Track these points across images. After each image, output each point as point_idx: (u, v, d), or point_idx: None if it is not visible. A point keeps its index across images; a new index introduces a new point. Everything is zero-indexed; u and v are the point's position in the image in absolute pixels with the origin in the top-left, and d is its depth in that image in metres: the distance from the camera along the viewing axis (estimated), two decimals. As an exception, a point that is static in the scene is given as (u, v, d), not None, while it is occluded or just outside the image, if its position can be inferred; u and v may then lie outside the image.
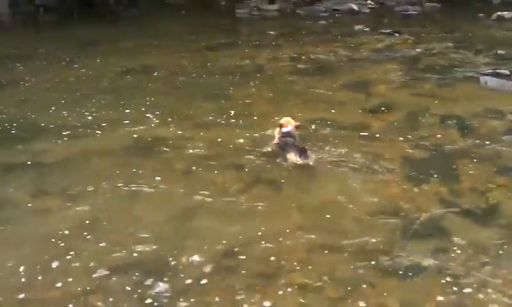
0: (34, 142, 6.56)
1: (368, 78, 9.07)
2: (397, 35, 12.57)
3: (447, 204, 4.92)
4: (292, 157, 5.72)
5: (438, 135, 6.50)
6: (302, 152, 5.67)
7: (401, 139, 6.38)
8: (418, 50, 11.13)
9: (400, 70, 9.54)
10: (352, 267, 4.06)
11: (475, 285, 3.85)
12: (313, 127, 6.77)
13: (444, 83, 8.71)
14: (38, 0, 17.83)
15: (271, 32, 13.32)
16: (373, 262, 4.09)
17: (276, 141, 6.09)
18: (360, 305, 3.66)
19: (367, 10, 16.99)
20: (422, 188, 5.18)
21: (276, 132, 6.11)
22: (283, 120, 6.04)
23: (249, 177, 5.54)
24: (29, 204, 5.10)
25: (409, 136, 6.45)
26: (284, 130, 5.94)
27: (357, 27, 13.54)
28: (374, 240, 4.36)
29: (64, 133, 6.79)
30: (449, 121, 6.94)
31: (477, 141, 6.29)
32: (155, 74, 9.60)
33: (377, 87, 8.56)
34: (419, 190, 5.16)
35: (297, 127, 6.07)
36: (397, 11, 16.67)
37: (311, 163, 5.67)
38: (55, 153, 6.25)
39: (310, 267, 4.06)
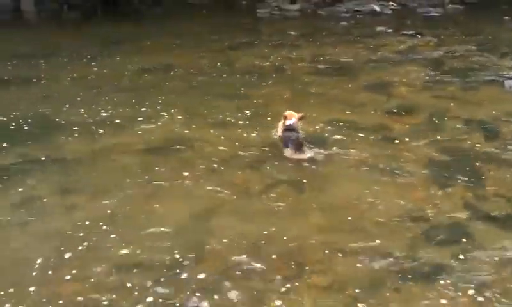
0: (56, 139, 6.63)
1: (389, 79, 8.97)
2: (419, 37, 12.43)
3: (472, 209, 4.84)
4: (288, 152, 5.86)
5: (462, 139, 6.40)
6: (298, 147, 5.79)
7: (424, 142, 6.30)
8: (440, 52, 10.98)
9: (422, 72, 9.42)
10: (374, 270, 4.02)
11: (500, 292, 3.78)
12: (332, 128, 6.72)
13: (467, 86, 8.58)
14: (62, -2, 18.01)
15: (292, 33, 13.26)
16: (396, 266, 4.05)
17: (279, 133, 6.15)
18: (383, 309, 3.62)
19: (389, 11, 16.82)
20: (446, 193, 5.11)
21: (280, 125, 6.15)
22: (287, 112, 6.09)
23: (269, 177, 5.52)
24: (52, 200, 5.15)
25: (432, 139, 6.36)
26: (287, 122, 5.98)
27: (379, 28, 13.41)
28: (397, 244, 4.31)
29: (85, 130, 6.86)
30: (473, 125, 6.83)
31: (501, 146, 6.19)
32: (175, 73, 9.63)
33: (399, 89, 8.47)
34: (443, 194, 5.09)
35: (300, 119, 6.12)
36: (419, 13, 16.47)
37: (306, 157, 5.82)
38: (77, 149, 6.30)
39: (331, 269, 4.03)
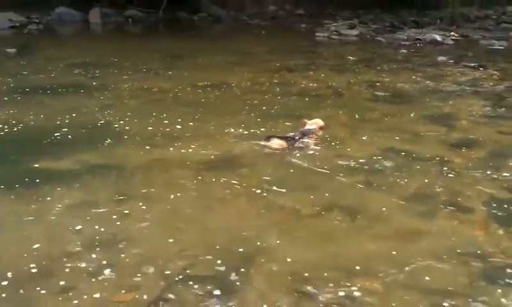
0: (115, 147, 6.82)
1: (449, 111, 8.76)
2: (482, 69, 12.13)
3: (534, 251, 4.61)
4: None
5: (525, 178, 6.13)
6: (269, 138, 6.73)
7: (485, 178, 6.08)
8: (503, 86, 10.66)
9: (485, 105, 9.16)
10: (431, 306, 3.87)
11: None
12: (389, 156, 6.60)
13: (531, 123, 8.25)
14: (127, 12, 18.73)
15: (350, 58, 13.24)
16: (454, 305, 3.88)
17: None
18: (436, 348, 3.48)
19: (451, 42, 16.54)
20: (507, 231, 4.89)
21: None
22: (312, 120, 6.95)
23: (322, 201, 5.45)
24: (107, 206, 5.27)
25: (494, 176, 6.12)
26: (306, 127, 6.84)
27: (440, 59, 13.19)
28: (454, 281, 4.15)
29: (144, 140, 7.03)
30: (537, 164, 6.54)
31: None
32: (232, 91, 9.77)
33: (460, 121, 8.25)
34: (504, 233, 4.87)
35: (321, 128, 6.98)
36: (482, 45, 16.10)
37: (272, 146, 6.65)
38: (135, 159, 6.46)
39: (384, 302, 3.91)
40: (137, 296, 3.93)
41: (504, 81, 11.05)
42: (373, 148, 6.88)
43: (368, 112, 8.64)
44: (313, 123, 6.80)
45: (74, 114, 8.02)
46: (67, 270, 4.21)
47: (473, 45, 15.99)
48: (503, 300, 3.96)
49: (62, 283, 4.04)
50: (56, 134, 7.24)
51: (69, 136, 7.19)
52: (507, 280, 4.20)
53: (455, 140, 7.34)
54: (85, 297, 3.92)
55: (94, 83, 9.99)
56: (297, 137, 6.87)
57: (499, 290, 4.07)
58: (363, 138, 7.33)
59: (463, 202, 5.47)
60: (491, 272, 4.30)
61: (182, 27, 16.73)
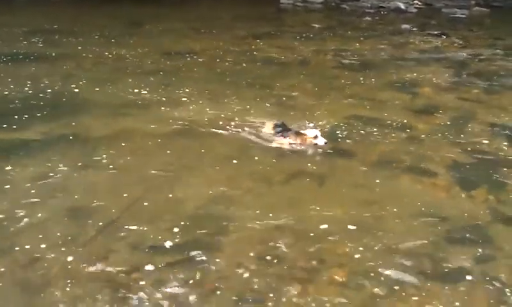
0: (79, 117, 6.66)
1: (413, 78, 8.91)
2: (444, 37, 12.32)
3: (494, 212, 4.78)
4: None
5: (485, 143, 6.33)
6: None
7: (447, 143, 6.24)
8: (465, 54, 10.89)
9: (447, 73, 9.35)
10: (394, 267, 3.98)
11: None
12: (355, 123, 6.69)
13: (492, 90, 8.50)
14: (85, -23, 18.03)
15: (315, 25, 13.22)
16: (416, 264, 4.01)
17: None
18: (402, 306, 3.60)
19: (414, 10, 16.70)
20: (469, 195, 5.05)
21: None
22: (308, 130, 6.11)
23: (291, 168, 5.50)
24: (75, 176, 5.18)
25: (456, 141, 6.30)
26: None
27: (403, 27, 13.33)
28: (418, 242, 4.27)
29: (108, 110, 6.90)
30: (496, 129, 6.76)
31: (525, 151, 6.11)
32: (198, 58, 9.65)
33: (423, 88, 8.40)
34: (466, 196, 5.04)
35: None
36: (444, 13, 16.32)
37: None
38: (99, 129, 6.33)
39: (351, 264, 4.00)
40: (108, 267, 3.90)
41: (465, 49, 11.27)
42: (339, 115, 6.95)
43: (334, 80, 8.69)
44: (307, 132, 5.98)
45: (35, 84, 7.77)
46: (32, 241, 4.13)
47: (436, 13, 16.19)
48: (465, 259, 4.11)
49: (28, 255, 3.98)
50: (17, 104, 7.02)
51: (31, 106, 6.97)
52: (469, 240, 4.37)
53: (418, 106, 7.48)
54: (53, 268, 3.87)
55: (53, 52, 9.66)
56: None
57: (461, 250, 4.23)
58: (329, 105, 7.39)
59: (427, 166, 5.61)
60: (454, 233, 4.45)
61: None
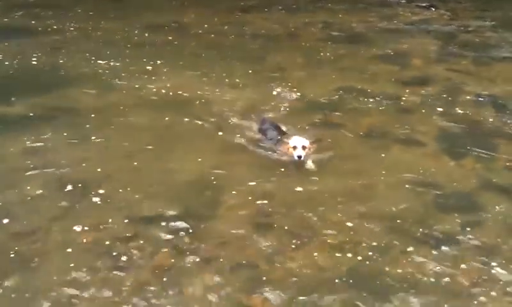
0: (66, 91, 6.62)
1: (402, 50, 8.90)
2: (433, 9, 12.28)
3: (482, 180, 4.89)
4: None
5: (474, 113, 6.40)
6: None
7: (436, 113, 6.31)
8: (454, 26, 10.86)
9: (436, 44, 9.34)
10: (384, 233, 4.08)
11: (505, 260, 3.85)
12: (344, 95, 6.72)
13: (480, 61, 8.53)
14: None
15: (303, -3, 13.07)
16: (406, 230, 4.11)
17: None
18: (393, 270, 3.68)
19: (402, -18, 16.59)
20: (458, 163, 5.15)
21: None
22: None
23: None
24: (66, 149, 5.17)
25: (445, 111, 6.36)
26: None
27: (392, -2, 13.25)
28: (407, 209, 4.37)
29: (96, 83, 6.85)
30: (485, 100, 6.82)
31: (511, 121, 6.19)
32: (184, 32, 9.52)
33: (412, 60, 8.42)
34: (455, 164, 5.13)
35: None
36: (433, -15, 16.25)
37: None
38: (87, 102, 6.30)
39: (343, 230, 4.08)
40: (103, 237, 3.93)
41: (454, 21, 11.25)
42: (329, 87, 6.97)
43: (324, 53, 8.66)
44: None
45: (22, 58, 7.66)
46: (25, 214, 4.15)
47: (424, -15, 16.13)
48: (454, 224, 4.22)
49: (22, 227, 3.99)
50: (4, 79, 6.94)
51: (19, 81, 6.90)
52: (457, 207, 4.46)
53: (407, 78, 7.52)
54: (48, 237, 3.90)
55: (39, 25, 9.47)
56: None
57: (450, 216, 4.32)
58: (319, 78, 7.40)
59: (416, 136, 5.69)
60: (443, 200, 4.54)
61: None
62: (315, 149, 5.16)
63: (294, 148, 4.97)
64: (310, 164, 5.01)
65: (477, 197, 4.61)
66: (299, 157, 4.90)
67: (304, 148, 4.96)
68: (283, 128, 5.64)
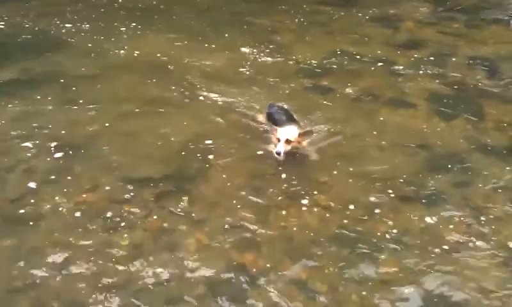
0: (57, 56, 6.57)
1: (395, 13, 8.83)
2: (425, -28, 12.14)
3: (472, 141, 4.93)
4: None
5: (464, 75, 6.40)
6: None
7: (428, 76, 6.31)
8: (445, -12, 10.76)
9: (428, 7, 9.27)
10: (376, 192, 4.13)
11: (493, 217, 3.94)
12: (337, 59, 6.70)
13: (472, 24, 8.48)
14: None
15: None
16: (397, 189, 4.16)
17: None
18: (383, 227, 3.76)
19: None
20: (448, 124, 5.18)
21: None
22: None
23: (272, 99, 5.51)
24: (58, 114, 5.15)
25: (436, 74, 6.36)
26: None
27: (384, -39, 13.06)
28: (398, 170, 4.42)
29: (86, 48, 6.79)
30: (476, 62, 6.81)
31: (502, 83, 6.21)
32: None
33: (405, 23, 8.36)
34: (445, 125, 5.16)
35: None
36: None
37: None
38: (78, 67, 6.26)
39: (334, 190, 4.13)
40: (98, 199, 3.96)
41: (446, -17, 11.14)
42: (321, 51, 6.94)
43: (315, 16, 8.57)
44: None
45: (9, 23, 7.55)
46: (21, 177, 4.16)
47: None
48: (444, 184, 4.28)
49: (18, 191, 4.01)
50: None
51: (8, 46, 6.82)
52: (448, 167, 4.51)
53: (399, 41, 7.48)
54: (45, 200, 3.92)
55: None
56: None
57: (440, 176, 4.38)
58: (311, 41, 7.36)
59: (407, 99, 5.71)
60: (433, 160, 4.59)
61: None
62: (310, 139, 4.59)
63: (278, 140, 4.39)
64: (314, 156, 4.59)
65: (467, 158, 4.66)
66: (278, 153, 4.30)
67: (288, 141, 4.35)
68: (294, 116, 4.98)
